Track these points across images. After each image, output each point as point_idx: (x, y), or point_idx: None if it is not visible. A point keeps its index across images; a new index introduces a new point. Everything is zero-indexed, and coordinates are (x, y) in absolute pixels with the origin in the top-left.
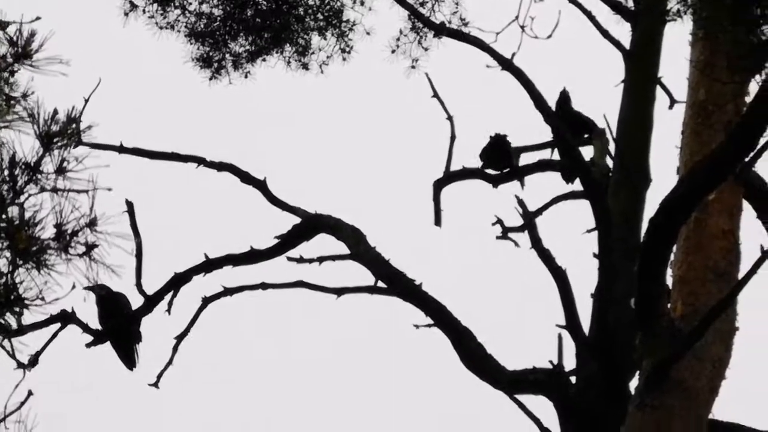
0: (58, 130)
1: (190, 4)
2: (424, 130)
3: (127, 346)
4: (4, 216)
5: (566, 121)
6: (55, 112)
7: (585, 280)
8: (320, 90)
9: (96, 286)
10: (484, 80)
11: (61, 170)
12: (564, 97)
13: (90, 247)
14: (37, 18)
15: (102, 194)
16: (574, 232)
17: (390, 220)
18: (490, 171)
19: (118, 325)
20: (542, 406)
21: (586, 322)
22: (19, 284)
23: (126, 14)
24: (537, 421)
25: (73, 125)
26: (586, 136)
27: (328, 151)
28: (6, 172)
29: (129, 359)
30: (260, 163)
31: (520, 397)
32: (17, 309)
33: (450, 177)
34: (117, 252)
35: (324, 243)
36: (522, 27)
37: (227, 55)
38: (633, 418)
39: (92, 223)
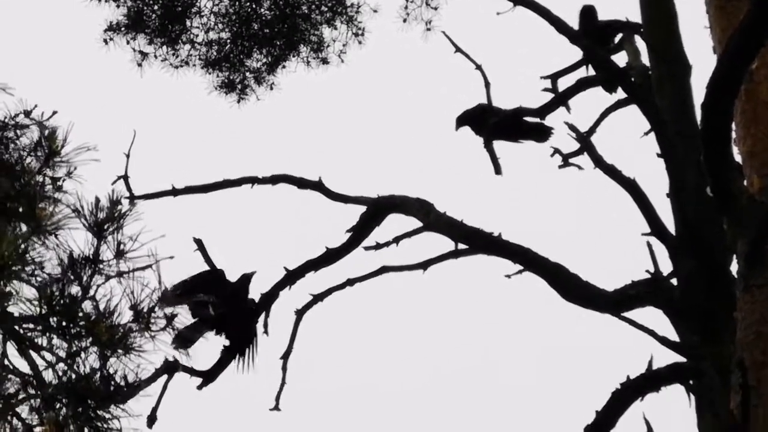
0: (105, 216)
1: (197, 36)
2: (458, 88)
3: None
4: (81, 314)
5: (594, 35)
6: (98, 200)
7: (656, 183)
8: (344, 80)
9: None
10: (503, 25)
11: (120, 254)
12: (587, 13)
13: (170, 318)
14: (54, 113)
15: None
16: (632, 139)
17: (444, 184)
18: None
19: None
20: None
21: (669, 224)
22: (114, 374)
23: (140, 65)
24: (652, 333)
25: (119, 207)
26: (618, 38)
27: (368, 135)
28: (69, 272)
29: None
30: (303, 166)
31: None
32: (119, 400)
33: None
34: None
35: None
36: None
37: (247, 74)
38: (743, 302)
39: (165, 295)
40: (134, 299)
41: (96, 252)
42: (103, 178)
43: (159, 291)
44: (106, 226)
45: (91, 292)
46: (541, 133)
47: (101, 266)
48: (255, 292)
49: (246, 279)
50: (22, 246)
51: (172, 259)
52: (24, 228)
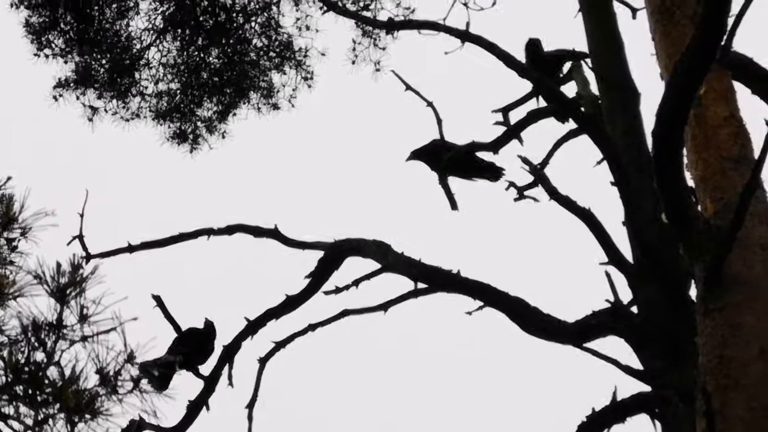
0: (67, 281)
1: (147, 88)
2: (411, 126)
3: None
4: (47, 381)
5: (542, 67)
6: (59, 265)
7: (611, 211)
8: (296, 124)
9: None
10: (453, 61)
11: (83, 318)
12: (532, 46)
13: (137, 381)
14: (9, 178)
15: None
16: (586, 168)
17: (403, 221)
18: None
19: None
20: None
21: (627, 251)
22: None
23: (90, 119)
24: (615, 362)
25: (80, 271)
26: (566, 68)
27: (323, 178)
28: (33, 339)
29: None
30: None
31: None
32: None
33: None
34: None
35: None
36: (465, 4)
37: (199, 123)
38: (704, 326)
39: (131, 357)
40: (100, 363)
41: (59, 317)
42: (60, 239)
43: (124, 353)
44: (68, 291)
45: (56, 358)
46: (494, 173)
47: (65, 331)
48: (218, 343)
49: (212, 326)
50: None
51: (135, 320)
52: None
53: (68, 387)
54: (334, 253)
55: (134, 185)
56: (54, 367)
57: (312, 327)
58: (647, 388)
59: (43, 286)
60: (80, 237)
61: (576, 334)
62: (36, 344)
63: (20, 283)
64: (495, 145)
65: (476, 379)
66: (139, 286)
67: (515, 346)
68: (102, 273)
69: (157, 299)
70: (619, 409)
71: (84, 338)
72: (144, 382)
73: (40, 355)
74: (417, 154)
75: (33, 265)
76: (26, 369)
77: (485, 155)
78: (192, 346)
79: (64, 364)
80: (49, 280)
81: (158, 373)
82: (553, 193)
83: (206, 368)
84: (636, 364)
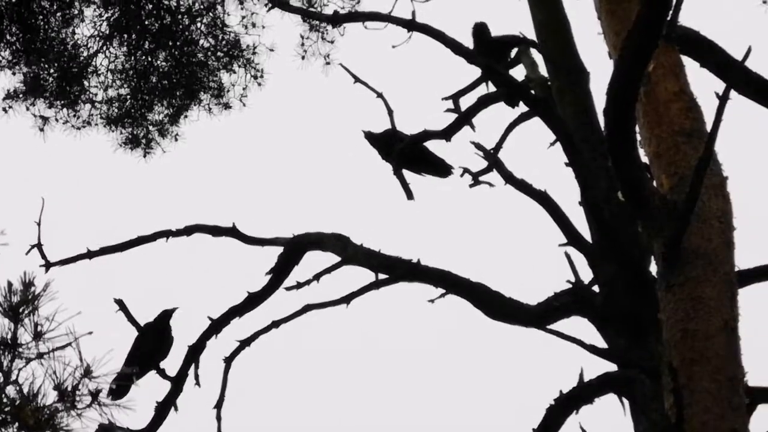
0: (19, 299)
1: (96, 95)
2: (363, 118)
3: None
4: (5, 400)
5: (489, 52)
6: (10, 284)
7: (567, 192)
8: (248, 122)
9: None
10: (402, 51)
11: (38, 335)
12: (479, 30)
13: (95, 395)
14: None
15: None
16: (539, 150)
17: (360, 213)
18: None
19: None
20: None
21: (585, 231)
22: None
23: (41, 129)
24: (579, 342)
25: (32, 288)
26: (514, 52)
27: (279, 174)
28: None
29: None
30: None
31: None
32: None
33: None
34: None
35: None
36: None
37: (150, 128)
38: (666, 301)
39: (87, 372)
40: (57, 379)
41: (14, 336)
42: (13, 255)
43: (81, 368)
44: (21, 309)
45: (13, 377)
46: (443, 170)
47: (20, 350)
48: (182, 340)
49: (166, 314)
50: None
51: (90, 334)
52: None
53: (27, 405)
54: (294, 248)
55: (90, 193)
56: (11, 386)
57: (275, 324)
58: (614, 368)
59: None
60: (39, 246)
61: (539, 316)
62: None
63: None
64: (447, 133)
65: (442, 368)
66: (97, 297)
67: (478, 333)
68: (54, 289)
69: (120, 303)
70: (587, 391)
71: (40, 355)
72: (102, 394)
73: None
74: (370, 138)
75: None
76: None
77: (438, 144)
78: (149, 346)
79: (22, 382)
80: (1, 300)
81: (116, 386)
82: (509, 178)
83: (172, 369)
84: (601, 343)
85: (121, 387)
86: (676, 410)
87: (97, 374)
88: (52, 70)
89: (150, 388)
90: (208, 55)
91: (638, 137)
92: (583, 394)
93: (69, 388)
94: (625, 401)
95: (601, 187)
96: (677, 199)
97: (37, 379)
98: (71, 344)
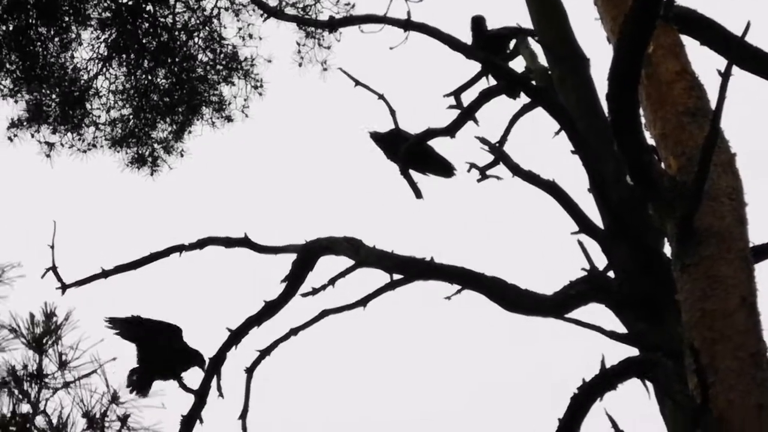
0: (42, 330)
1: (99, 117)
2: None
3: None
4: (36, 431)
5: (487, 45)
6: (32, 316)
7: (576, 179)
8: (252, 133)
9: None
10: (401, 51)
11: (63, 365)
12: (476, 24)
13: (123, 420)
14: None
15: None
16: (545, 140)
17: (371, 215)
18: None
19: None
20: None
21: (596, 218)
22: None
23: (48, 155)
24: (599, 329)
25: (54, 319)
26: (512, 44)
27: (287, 182)
28: (17, 391)
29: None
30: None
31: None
32: None
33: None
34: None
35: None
36: None
37: (155, 145)
38: (682, 282)
39: (115, 397)
40: (85, 407)
41: (39, 367)
42: (32, 286)
43: (108, 394)
44: (45, 340)
45: (41, 407)
46: (447, 170)
47: (47, 380)
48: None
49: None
50: None
51: (115, 360)
52: None
53: None
54: (307, 255)
55: (101, 214)
56: (40, 416)
57: (294, 331)
58: (635, 352)
59: (20, 338)
60: (54, 269)
61: (557, 305)
62: (20, 396)
63: None
64: (451, 129)
65: (465, 364)
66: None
67: (497, 327)
68: (76, 318)
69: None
70: (610, 377)
71: (66, 384)
72: (131, 419)
73: (25, 407)
74: (375, 138)
75: (6, 318)
76: (13, 421)
77: (443, 141)
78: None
79: (50, 412)
80: (25, 332)
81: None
82: (516, 170)
83: (195, 382)
84: (620, 328)
85: (142, 380)
86: (701, 390)
87: (124, 399)
88: (53, 96)
89: (171, 403)
90: (207, 69)
91: (643, 120)
92: (606, 380)
93: (98, 415)
94: (649, 385)
95: (609, 172)
96: (686, 179)
97: (65, 408)
98: (96, 371)
